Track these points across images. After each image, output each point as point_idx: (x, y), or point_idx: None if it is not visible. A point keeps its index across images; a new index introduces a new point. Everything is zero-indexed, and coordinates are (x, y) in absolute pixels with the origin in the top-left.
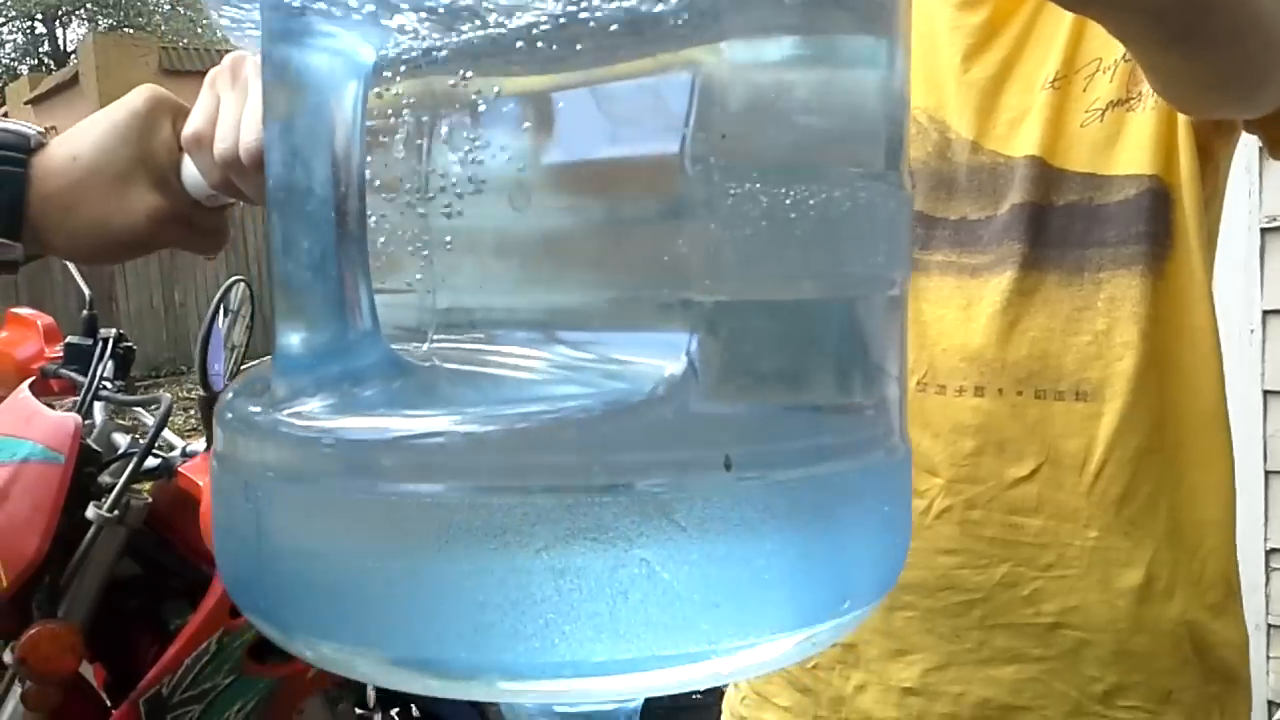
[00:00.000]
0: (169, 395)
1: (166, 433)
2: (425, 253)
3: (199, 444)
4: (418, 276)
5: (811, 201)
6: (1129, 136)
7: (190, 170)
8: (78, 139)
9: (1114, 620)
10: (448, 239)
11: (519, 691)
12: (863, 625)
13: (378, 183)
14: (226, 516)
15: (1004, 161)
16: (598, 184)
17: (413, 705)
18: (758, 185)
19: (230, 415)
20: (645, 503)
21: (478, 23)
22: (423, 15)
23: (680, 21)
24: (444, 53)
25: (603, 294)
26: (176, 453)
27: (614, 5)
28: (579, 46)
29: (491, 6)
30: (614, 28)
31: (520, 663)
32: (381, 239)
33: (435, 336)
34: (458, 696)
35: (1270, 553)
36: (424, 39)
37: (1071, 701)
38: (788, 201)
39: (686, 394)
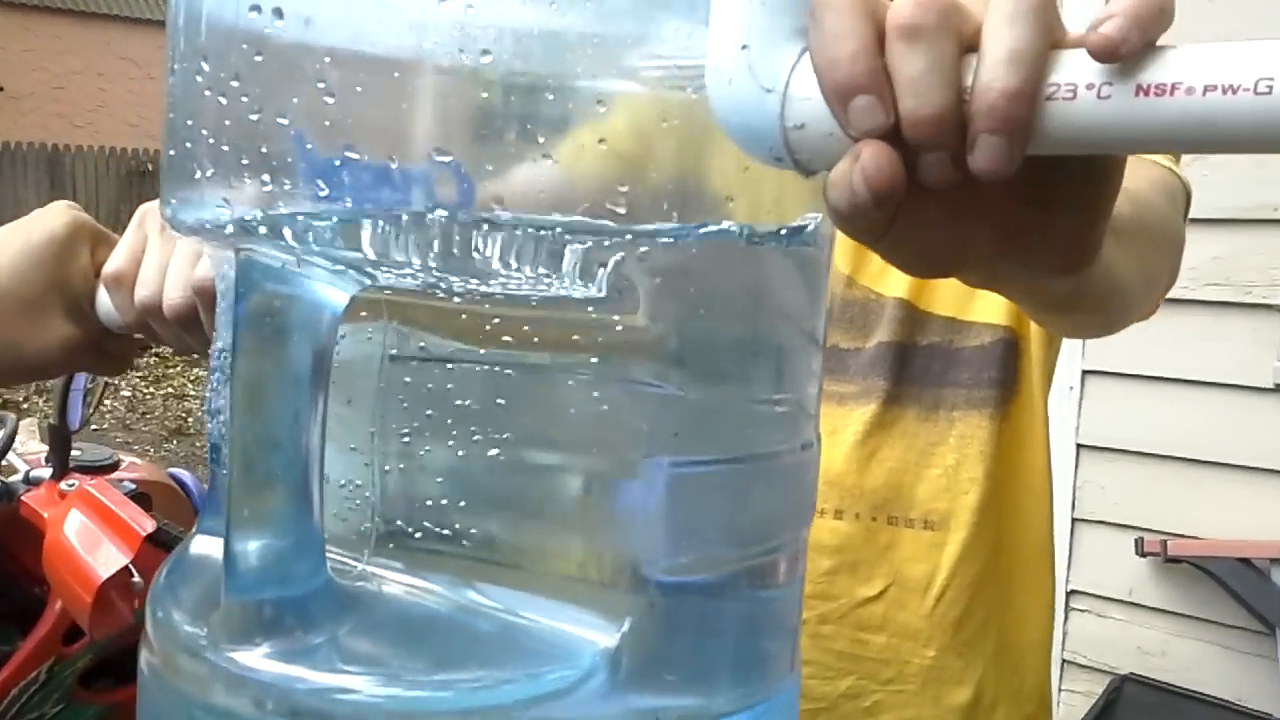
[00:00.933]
0: (13, 416)
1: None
2: (371, 480)
3: (44, 471)
4: (358, 502)
5: (750, 488)
6: None
7: (105, 301)
8: None
9: None
10: (393, 468)
11: None
12: None
13: (333, 410)
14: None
15: (875, 299)
16: (542, 460)
17: None
18: (703, 479)
19: (162, 616)
20: None
21: (440, 282)
22: (391, 272)
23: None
24: (404, 301)
25: (544, 559)
26: (18, 477)
27: (573, 318)
28: (538, 338)
29: (448, 274)
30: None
31: None
32: (332, 463)
33: (372, 557)
34: None
35: (1071, 594)
36: (391, 286)
37: None
38: (727, 489)
39: (619, 666)
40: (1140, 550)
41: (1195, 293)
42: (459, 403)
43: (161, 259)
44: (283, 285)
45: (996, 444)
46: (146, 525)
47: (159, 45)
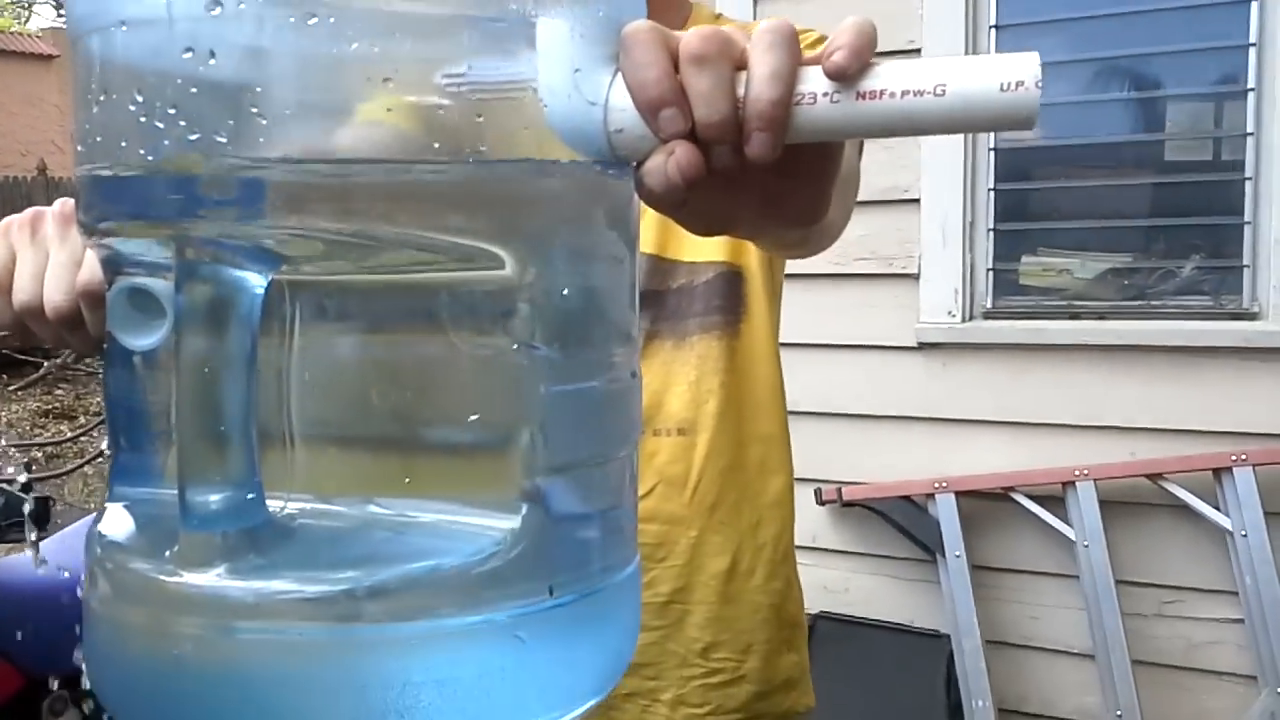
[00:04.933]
0: None
1: None
2: (285, 430)
3: None
4: (280, 451)
5: (602, 393)
6: None
7: None
8: None
9: (708, 596)
10: (304, 415)
11: None
12: None
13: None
14: (126, 658)
15: None
16: (442, 389)
17: None
18: (570, 386)
19: (111, 566)
20: (498, 626)
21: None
22: (303, 265)
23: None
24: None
25: (451, 477)
26: None
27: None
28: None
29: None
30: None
31: None
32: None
33: (293, 497)
34: None
35: None
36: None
37: (679, 657)
38: (591, 394)
39: (522, 545)
40: (819, 499)
41: (847, 268)
42: (360, 356)
43: (35, 267)
44: (218, 276)
45: (729, 359)
46: None
47: None
